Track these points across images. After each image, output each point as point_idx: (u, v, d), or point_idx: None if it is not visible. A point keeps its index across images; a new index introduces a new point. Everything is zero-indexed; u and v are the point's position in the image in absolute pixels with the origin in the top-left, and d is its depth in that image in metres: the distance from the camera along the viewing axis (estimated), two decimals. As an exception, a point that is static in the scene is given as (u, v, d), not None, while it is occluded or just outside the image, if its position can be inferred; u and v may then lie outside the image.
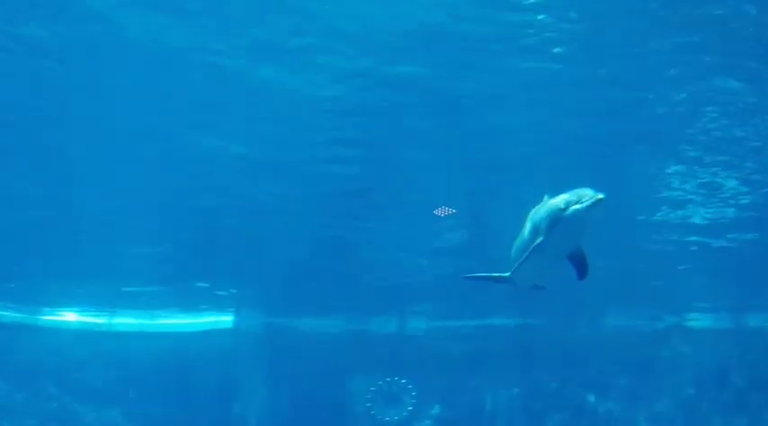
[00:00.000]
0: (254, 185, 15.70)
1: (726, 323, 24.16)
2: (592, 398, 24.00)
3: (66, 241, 18.18)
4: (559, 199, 9.25)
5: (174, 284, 21.57)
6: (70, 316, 24.33)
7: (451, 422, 24.03)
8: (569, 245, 9.54)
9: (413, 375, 23.97)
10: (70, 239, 18.06)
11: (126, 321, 24.53)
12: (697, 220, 16.97)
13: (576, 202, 8.94)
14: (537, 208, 9.90)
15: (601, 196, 8.81)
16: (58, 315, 24.27)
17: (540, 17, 10.54)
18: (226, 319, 24.53)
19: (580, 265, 9.75)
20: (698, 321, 24.11)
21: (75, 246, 18.54)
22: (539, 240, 9.50)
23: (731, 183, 15.16)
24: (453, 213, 16.85)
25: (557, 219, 9.20)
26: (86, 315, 24.31)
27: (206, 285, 21.69)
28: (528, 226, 9.94)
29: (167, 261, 19.52)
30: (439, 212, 16.49)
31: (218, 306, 23.60)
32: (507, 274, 11.68)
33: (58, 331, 24.25)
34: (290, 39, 11.04)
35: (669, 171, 14.73)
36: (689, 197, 15.78)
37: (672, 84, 11.91)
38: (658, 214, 16.70)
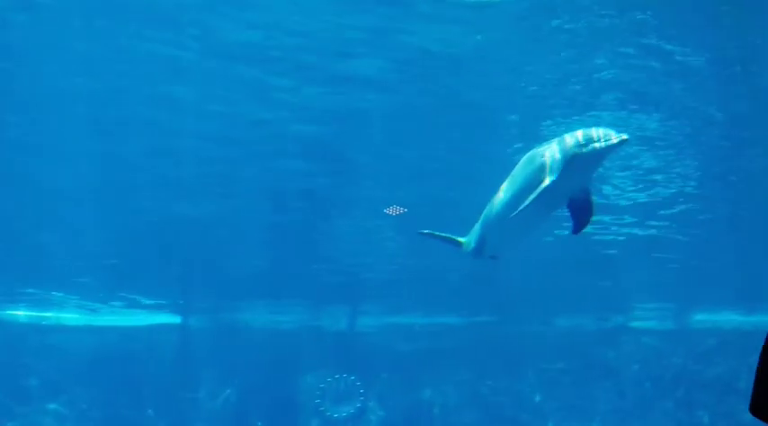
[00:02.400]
0: (202, 179, 15.62)
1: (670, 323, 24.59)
2: (539, 397, 24.27)
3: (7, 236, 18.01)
4: (575, 137, 9.19)
5: (122, 279, 21.36)
6: (18, 311, 24.04)
7: (400, 420, 24.14)
8: (580, 185, 9.46)
9: (363, 372, 24.04)
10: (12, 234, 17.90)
11: (72, 316, 24.27)
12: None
13: (597, 140, 8.94)
14: (539, 150, 9.77)
15: (626, 136, 8.90)
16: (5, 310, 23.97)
17: None
18: (174, 315, 24.38)
19: (581, 210, 9.67)
20: (642, 321, 24.50)
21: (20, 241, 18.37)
22: (550, 179, 9.31)
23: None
24: (404, 212, 16.95)
25: (574, 156, 9.09)
26: (33, 310, 24.02)
27: (155, 280, 21.55)
28: (528, 170, 9.75)
29: (114, 255, 19.35)
30: (390, 211, 16.60)
31: (166, 301, 23.45)
32: (463, 239, 11.75)
33: (5, 325, 23.96)
34: (241, 31, 11.05)
35: None
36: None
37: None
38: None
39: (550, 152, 9.42)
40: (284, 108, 13.00)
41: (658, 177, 15.17)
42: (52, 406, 23.21)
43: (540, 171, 9.45)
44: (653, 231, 17.78)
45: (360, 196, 16.36)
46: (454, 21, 10.70)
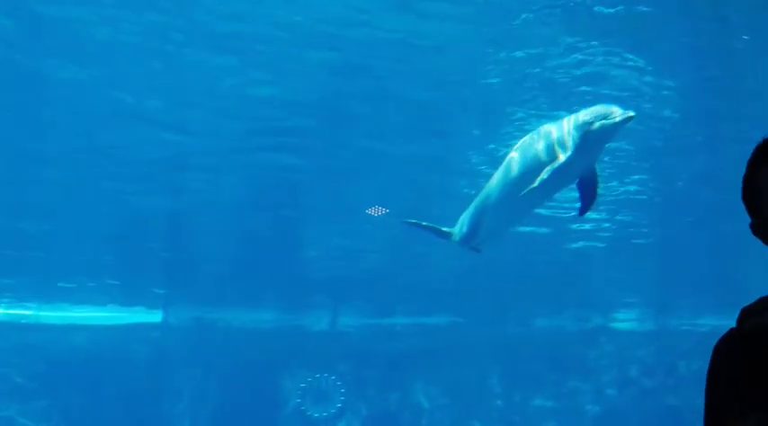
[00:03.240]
0: (183, 176, 15.60)
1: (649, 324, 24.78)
2: (518, 397, 24.39)
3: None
4: (586, 114, 9.25)
5: (103, 278, 21.32)
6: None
7: (381, 420, 24.20)
8: (589, 163, 9.53)
9: (344, 372, 24.08)
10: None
11: (53, 314, 24.18)
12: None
13: (605, 117, 9.03)
14: (548, 128, 9.80)
15: (632, 113, 8.98)
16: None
17: None
18: (155, 313, 24.32)
19: (590, 189, 9.70)
20: (622, 322, 24.68)
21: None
22: (565, 156, 9.35)
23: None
24: (386, 212, 16.97)
25: (586, 133, 9.15)
26: (13, 308, 23.91)
27: (135, 278, 21.51)
28: (539, 148, 9.74)
29: (97, 254, 19.30)
30: (371, 212, 16.62)
31: (147, 299, 23.40)
32: (450, 229, 11.77)
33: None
34: (224, 23, 11.07)
35: None
36: None
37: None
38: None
39: (562, 129, 9.48)
40: (262, 102, 13.01)
41: (635, 177, 15.33)
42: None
43: (553, 148, 9.51)
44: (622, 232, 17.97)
45: (342, 192, 16.37)
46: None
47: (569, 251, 18.90)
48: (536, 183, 9.52)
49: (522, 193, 9.77)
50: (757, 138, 2.50)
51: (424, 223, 12.45)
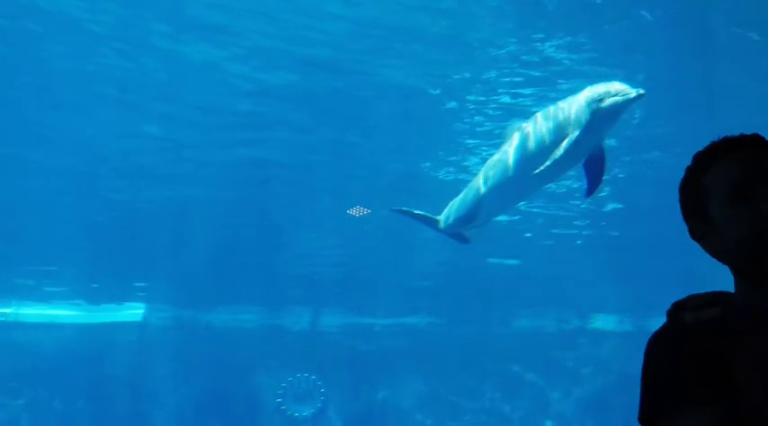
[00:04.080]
0: (165, 171, 15.57)
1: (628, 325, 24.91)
2: (498, 396, 24.48)
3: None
4: (594, 92, 9.22)
5: (83, 276, 21.24)
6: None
7: (361, 419, 24.25)
8: (598, 142, 9.48)
9: (324, 371, 24.11)
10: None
11: (33, 312, 24.07)
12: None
13: (615, 94, 9.00)
14: (558, 106, 9.75)
15: (642, 91, 8.97)
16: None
17: None
18: (135, 312, 24.25)
19: (598, 169, 9.66)
20: (601, 323, 24.81)
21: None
22: (576, 133, 9.29)
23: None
24: (368, 212, 16.99)
25: (597, 110, 9.12)
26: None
27: (116, 277, 21.45)
28: (548, 126, 9.69)
29: (77, 251, 19.22)
30: (353, 212, 16.64)
31: (127, 298, 23.34)
32: (438, 217, 11.76)
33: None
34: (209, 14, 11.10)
35: None
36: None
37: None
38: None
39: (571, 107, 9.44)
40: (241, 95, 13.04)
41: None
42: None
43: (563, 126, 9.47)
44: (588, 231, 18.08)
45: (320, 190, 16.38)
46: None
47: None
48: (547, 163, 9.47)
49: (535, 172, 9.68)
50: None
51: (411, 210, 12.43)
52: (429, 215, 11.99)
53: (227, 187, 16.11)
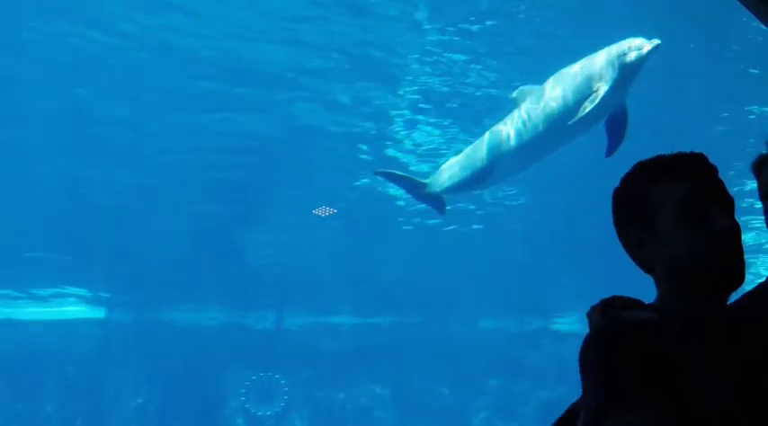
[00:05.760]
0: (128, 168, 15.47)
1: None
2: (462, 396, 24.60)
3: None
4: (618, 47, 9.40)
5: (43, 272, 21.01)
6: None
7: (325, 419, 24.25)
8: (621, 98, 9.64)
9: (288, 370, 24.08)
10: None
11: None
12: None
13: (638, 48, 9.21)
14: (581, 64, 9.84)
15: (658, 41, 9.18)
16: None
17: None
18: (97, 309, 24.01)
19: (620, 127, 9.75)
20: (563, 324, 25.00)
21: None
22: (604, 90, 9.44)
23: None
24: (334, 213, 17.02)
25: (623, 65, 9.29)
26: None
27: (77, 273, 21.23)
28: (576, 82, 9.80)
29: (37, 247, 19.01)
30: (319, 212, 16.66)
31: (89, 295, 23.11)
32: (425, 181, 11.73)
33: None
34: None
35: None
36: None
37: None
38: None
39: (598, 62, 9.59)
40: (208, 96, 13.02)
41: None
42: None
43: (591, 82, 9.61)
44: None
45: (287, 191, 16.38)
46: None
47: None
48: (581, 114, 9.61)
49: (569, 123, 9.80)
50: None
51: (396, 172, 12.40)
52: (415, 178, 11.93)
53: (195, 186, 16.06)
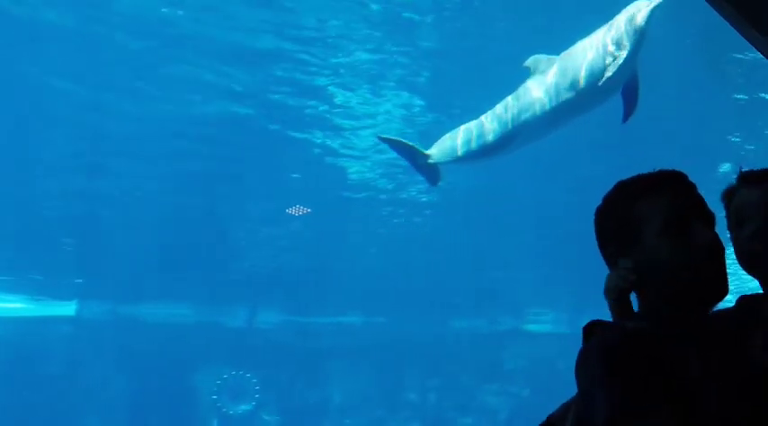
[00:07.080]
0: (100, 162, 15.35)
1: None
2: (433, 396, 24.66)
3: None
4: (628, 12, 9.56)
5: (13, 268, 20.83)
6: None
7: (297, 417, 24.23)
8: (635, 64, 9.75)
9: (260, 369, 24.02)
10: None
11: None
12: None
13: (643, 8, 9.36)
14: (597, 33, 9.97)
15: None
16: None
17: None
18: (68, 306, 23.81)
19: (634, 92, 9.94)
20: (535, 324, 25.12)
21: None
22: (625, 53, 9.61)
23: None
24: (308, 212, 16.98)
25: (637, 29, 9.44)
26: None
27: (48, 270, 21.05)
28: (595, 50, 9.92)
29: (6, 243, 18.83)
30: (292, 211, 16.62)
31: (60, 292, 22.92)
32: (428, 151, 11.72)
33: None
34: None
35: None
36: None
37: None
38: None
39: (615, 27, 9.73)
40: (184, 88, 12.94)
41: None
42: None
43: (610, 47, 9.75)
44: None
45: (264, 186, 16.31)
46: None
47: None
48: (602, 82, 9.79)
49: (599, 85, 9.90)
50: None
51: (399, 139, 12.40)
52: (417, 147, 11.92)
53: (168, 181, 15.95)
